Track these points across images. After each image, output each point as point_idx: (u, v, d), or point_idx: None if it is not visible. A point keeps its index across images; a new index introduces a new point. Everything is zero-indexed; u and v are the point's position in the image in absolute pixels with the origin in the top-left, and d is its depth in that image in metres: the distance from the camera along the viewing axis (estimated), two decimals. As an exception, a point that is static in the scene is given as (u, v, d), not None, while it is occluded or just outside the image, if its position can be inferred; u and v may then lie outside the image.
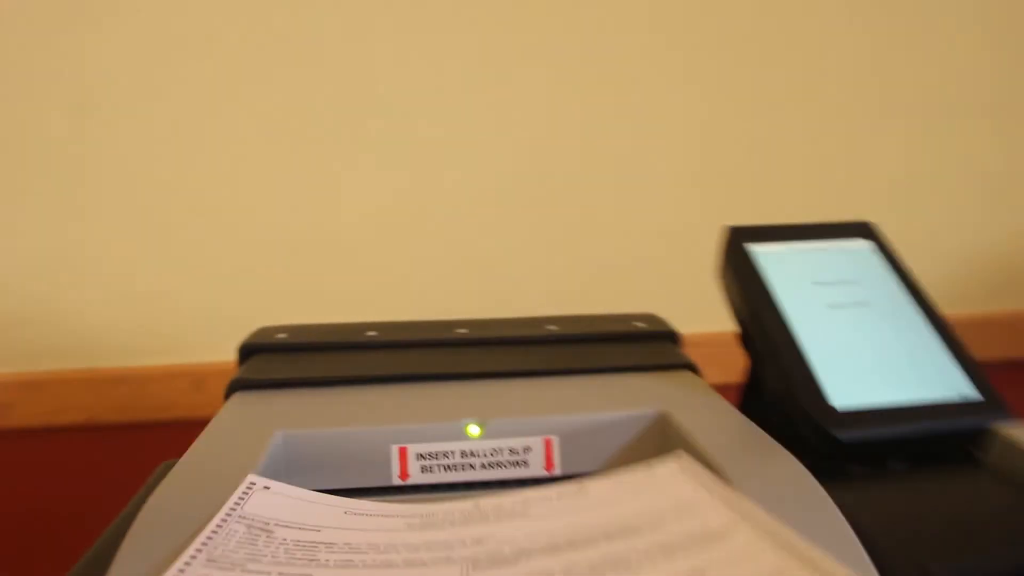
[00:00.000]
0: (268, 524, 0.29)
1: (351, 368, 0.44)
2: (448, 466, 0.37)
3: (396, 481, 0.37)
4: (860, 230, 0.47)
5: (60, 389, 0.75)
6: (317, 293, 0.78)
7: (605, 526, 0.28)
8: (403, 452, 0.37)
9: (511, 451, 0.38)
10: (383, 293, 0.79)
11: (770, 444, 0.34)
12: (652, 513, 0.29)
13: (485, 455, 0.37)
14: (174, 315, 0.76)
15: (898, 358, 0.40)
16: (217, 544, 0.27)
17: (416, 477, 0.37)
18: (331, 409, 0.39)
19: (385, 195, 0.77)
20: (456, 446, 0.37)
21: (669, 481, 0.31)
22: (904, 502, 0.32)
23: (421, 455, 0.37)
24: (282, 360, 0.46)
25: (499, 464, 0.38)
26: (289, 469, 0.36)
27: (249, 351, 0.47)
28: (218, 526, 0.28)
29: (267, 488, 0.31)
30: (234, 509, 0.29)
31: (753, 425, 0.37)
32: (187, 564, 0.25)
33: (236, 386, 0.43)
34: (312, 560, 0.27)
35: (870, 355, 0.40)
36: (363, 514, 0.31)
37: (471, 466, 0.37)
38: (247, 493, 0.30)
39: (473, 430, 0.38)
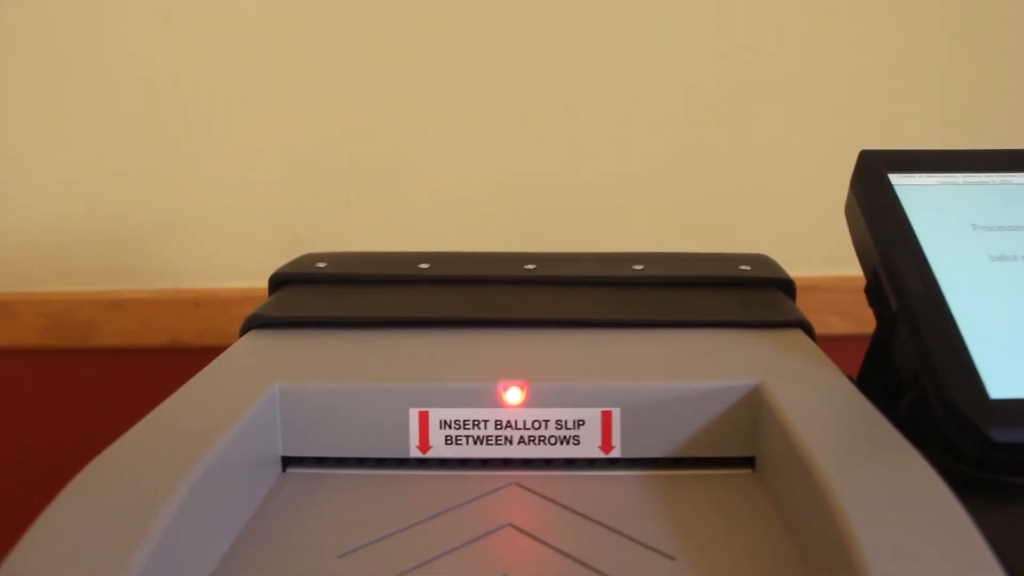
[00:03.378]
0: None
1: (385, 308, 0.38)
2: (478, 438, 0.30)
3: (414, 453, 0.30)
4: (1043, 160, 0.36)
5: (143, 309, 0.73)
6: (412, 215, 0.71)
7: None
8: (424, 417, 0.30)
9: (559, 424, 0.30)
10: (468, 220, 0.71)
11: (892, 439, 0.26)
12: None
13: (525, 427, 0.30)
14: (258, 237, 0.72)
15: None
16: None
17: (439, 450, 0.30)
18: (349, 358, 0.33)
19: (471, 108, 0.70)
20: (490, 414, 0.30)
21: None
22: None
23: (446, 422, 0.30)
24: (313, 294, 0.40)
25: (543, 439, 0.31)
26: (286, 430, 0.30)
27: (280, 282, 0.41)
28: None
29: None
30: None
31: (872, 410, 0.28)
32: None
33: (252, 323, 0.37)
34: None
35: (1047, 328, 0.30)
36: None
37: (507, 440, 0.30)
38: None
39: (513, 395, 0.30)
